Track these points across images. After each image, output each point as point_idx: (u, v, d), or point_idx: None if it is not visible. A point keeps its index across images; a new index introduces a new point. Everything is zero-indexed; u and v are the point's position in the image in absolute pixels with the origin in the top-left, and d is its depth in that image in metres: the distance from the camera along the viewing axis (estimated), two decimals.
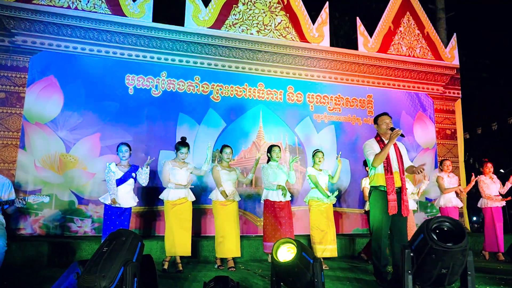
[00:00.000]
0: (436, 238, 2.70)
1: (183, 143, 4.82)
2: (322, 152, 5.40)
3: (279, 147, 5.30)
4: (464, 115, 8.60)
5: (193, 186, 5.02)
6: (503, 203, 6.03)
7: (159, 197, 4.81)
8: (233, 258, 4.85)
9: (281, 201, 5.05)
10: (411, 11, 8.60)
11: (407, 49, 8.38)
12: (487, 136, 12.64)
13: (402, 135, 3.66)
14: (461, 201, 6.34)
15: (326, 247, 5.01)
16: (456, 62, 8.69)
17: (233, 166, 5.28)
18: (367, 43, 8.04)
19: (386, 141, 3.84)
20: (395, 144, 3.86)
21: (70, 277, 2.39)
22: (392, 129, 3.78)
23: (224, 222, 4.86)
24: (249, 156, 6.84)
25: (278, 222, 4.97)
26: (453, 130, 8.42)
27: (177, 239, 4.59)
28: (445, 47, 8.73)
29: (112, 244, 2.35)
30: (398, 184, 3.70)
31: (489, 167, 6.19)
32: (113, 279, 2.13)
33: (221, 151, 5.08)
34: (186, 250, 4.63)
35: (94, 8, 6.44)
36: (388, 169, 3.67)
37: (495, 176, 6.23)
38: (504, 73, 13.35)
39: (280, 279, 2.73)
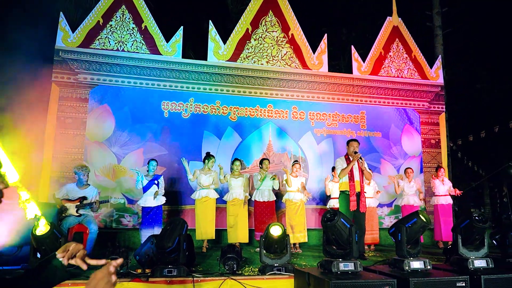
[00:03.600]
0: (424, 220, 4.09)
1: (208, 156, 6.49)
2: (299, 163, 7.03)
3: (268, 160, 6.94)
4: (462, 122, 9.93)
5: (213, 187, 6.62)
6: (450, 201, 7.43)
7: (191, 196, 6.47)
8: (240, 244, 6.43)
9: (264, 201, 6.67)
10: (399, 38, 10.04)
11: (396, 71, 9.82)
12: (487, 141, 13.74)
13: (360, 158, 5.23)
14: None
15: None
16: (440, 80, 10.07)
17: (243, 173, 6.92)
18: (360, 67, 9.53)
19: (351, 159, 5.40)
20: (357, 161, 5.40)
21: (148, 243, 4.01)
22: (355, 152, 5.34)
23: (233, 216, 6.49)
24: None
25: (264, 216, 6.59)
26: (437, 140, 9.80)
27: (203, 227, 6.23)
28: (441, 61, 10.12)
29: (171, 225, 3.97)
30: (358, 189, 5.26)
31: (442, 171, 7.59)
32: (173, 242, 3.75)
33: (232, 163, 6.73)
34: (211, 235, 6.26)
35: (137, 49, 8.17)
36: (351, 178, 5.22)
37: (446, 179, 7.65)
38: (498, 82, 14.46)
39: (268, 248, 4.28)
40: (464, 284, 3.16)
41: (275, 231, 4.25)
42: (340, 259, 3.21)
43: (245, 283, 3.49)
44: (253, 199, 6.84)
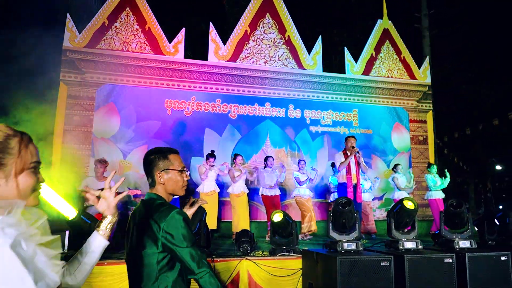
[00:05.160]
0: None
1: (212, 154, 6.90)
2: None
3: (272, 157, 7.40)
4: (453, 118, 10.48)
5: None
6: (443, 195, 8.00)
7: (196, 190, 6.87)
8: None
9: (271, 195, 7.12)
10: (390, 40, 10.55)
11: (386, 71, 10.33)
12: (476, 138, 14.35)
13: (358, 152, 5.71)
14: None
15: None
16: (428, 80, 10.61)
17: (244, 168, 7.37)
18: (353, 68, 10.01)
19: (348, 154, 5.88)
20: (354, 156, 5.89)
21: None
22: (352, 147, 5.82)
23: (238, 207, 6.93)
24: (259, 160, 8.85)
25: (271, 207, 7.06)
26: (425, 137, 10.35)
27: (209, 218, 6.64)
28: (429, 61, 10.67)
29: (195, 214, 4.41)
30: (354, 181, 5.75)
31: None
32: (195, 227, 4.17)
33: (234, 158, 7.16)
34: (213, 225, 6.69)
35: (141, 50, 8.52)
36: (348, 171, 5.71)
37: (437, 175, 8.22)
38: (483, 81, 15.10)
39: (275, 231, 4.73)
40: (451, 260, 3.64)
41: (276, 217, 4.71)
42: (344, 240, 3.66)
43: (259, 263, 3.92)
44: (260, 193, 7.27)
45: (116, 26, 8.46)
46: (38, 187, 1.17)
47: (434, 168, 8.21)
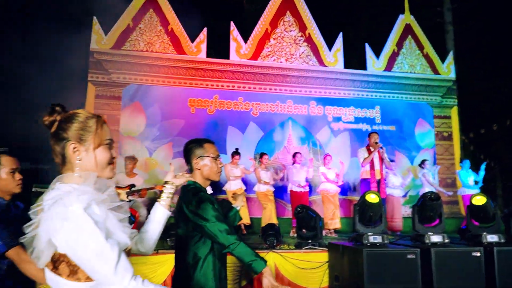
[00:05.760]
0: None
1: (237, 152, 7.01)
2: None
3: (301, 153, 7.41)
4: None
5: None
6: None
7: (223, 188, 6.99)
8: None
9: (300, 191, 7.15)
10: (412, 35, 10.45)
11: (409, 66, 10.23)
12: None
13: (381, 147, 5.72)
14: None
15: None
16: (452, 75, 10.46)
17: (269, 166, 7.44)
18: (374, 64, 9.95)
19: (372, 150, 5.89)
20: (378, 151, 5.89)
21: None
22: (376, 143, 5.82)
23: (266, 204, 6.99)
24: (281, 157, 8.92)
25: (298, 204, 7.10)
26: (449, 133, 10.21)
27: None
28: (453, 56, 10.53)
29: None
30: (378, 177, 5.75)
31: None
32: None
33: (260, 157, 7.24)
34: (247, 220, 6.78)
35: (164, 50, 8.70)
36: (372, 167, 5.72)
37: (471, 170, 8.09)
38: (510, 75, 14.72)
39: (300, 225, 4.79)
40: (479, 254, 3.63)
41: (299, 211, 4.79)
42: (370, 233, 3.70)
43: (285, 256, 3.99)
44: (289, 190, 7.32)
45: (140, 28, 8.66)
46: (112, 161, 1.37)
47: (467, 164, 8.08)
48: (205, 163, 2.16)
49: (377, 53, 10.07)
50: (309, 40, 9.63)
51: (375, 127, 9.61)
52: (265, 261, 1.96)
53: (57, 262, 1.18)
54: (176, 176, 1.61)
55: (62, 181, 1.27)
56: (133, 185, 5.68)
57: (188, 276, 1.94)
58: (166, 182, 1.59)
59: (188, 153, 2.21)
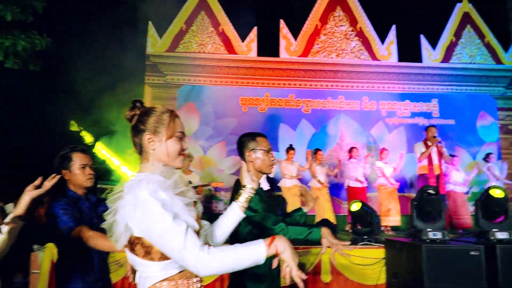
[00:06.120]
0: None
1: (291, 147, 7.04)
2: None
3: (357, 148, 7.29)
4: None
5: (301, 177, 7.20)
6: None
7: (278, 184, 7.05)
8: None
9: (358, 187, 7.02)
10: (471, 24, 9.91)
11: (468, 57, 9.72)
12: None
13: (440, 142, 5.50)
14: None
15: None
16: None
17: (324, 162, 7.40)
18: (430, 56, 9.56)
19: (429, 144, 5.68)
20: (436, 146, 5.67)
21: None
22: (434, 137, 5.61)
23: (320, 201, 6.96)
24: (334, 154, 8.82)
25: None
26: None
27: None
28: None
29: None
30: (437, 172, 5.53)
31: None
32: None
33: (315, 153, 7.21)
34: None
35: (216, 50, 8.90)
36: (430, 162, 5.51)
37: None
38: None
39: (355, 221, 4.72)
40: None
41: (354, 207, 4.71)
42: (429, 229, 3.58)
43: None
44: (345, 185, 7.25)
45: (192, 30, 8.93)
46: (182, 152, 1.48)
47: None
48: (257, 156, 2.21)
49: (433, 45, 9.66)
50: (360, 34, 9.43)
51: (433, 121, 9.22)
52: (320, 227, 1.98)
53: (133, 244, 1.33)
54: (252, 179, 1.67)
55: (140, 170, 1.43)
56: (189, 182, 5.89)
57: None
58: (244, 186, 1.62)
59: (241, 146, 2.28)
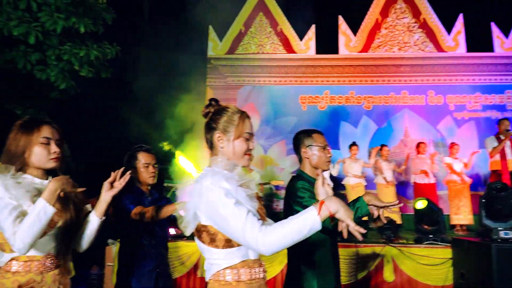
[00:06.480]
0: None
1: (354, 143, 6.96)
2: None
3: (425, 143, 7.05)
4: None
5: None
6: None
7: (341, 182, 7.00)
8: None
9: (426, 183, 6.75)
10: None
11: None
12: None
13: None
14: None
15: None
16: None
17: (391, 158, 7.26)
18: (503, 44, 8.91)
19: (502, 138, 5.33)
20: (510, 140, 5.31)
21: None
22: (507, 130, 5.26)
23: (386, 199, 6.79)
24: (398, 151, 8.53)
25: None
26: None
27: None
28: None
29: None
30: (511, 168, 5.16)
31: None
32: None
33: (380, 149, 7.06)
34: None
35: (274, 50, 9.00)
36: (503, 157, 5.17)
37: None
38: None
39: (419, 219, 4.56)
40: None
41: (420, 204, 4.55)
42: (500, 228, 3.39)
43: (404, 250, 3.87)
44: (412, 181, 7.05)
45: (251, 31, 9.10)
46: (249, 152, 1.60)
47: None
48: (313, 152, 2.25)
49: (506, 33, 9.00)
50: (424, 26, 9.04)
51: (507, 114, 8.60)
52: (360, 197, 1.86)
53: (199, 231, 1.47)
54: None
55: (209, 164, 1.56)
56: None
57: (307, 257, 2.05)
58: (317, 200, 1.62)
59: (297, 143, 2.32)
